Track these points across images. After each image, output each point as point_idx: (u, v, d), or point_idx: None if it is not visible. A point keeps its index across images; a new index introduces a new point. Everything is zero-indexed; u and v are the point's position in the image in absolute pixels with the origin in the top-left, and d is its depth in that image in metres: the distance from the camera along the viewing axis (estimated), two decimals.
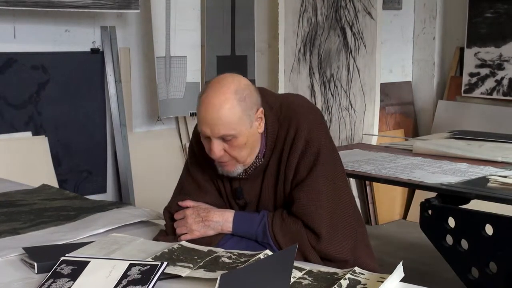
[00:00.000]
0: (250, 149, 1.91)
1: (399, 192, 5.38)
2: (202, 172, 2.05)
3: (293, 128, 1.93)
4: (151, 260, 1.70)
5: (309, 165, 1.91)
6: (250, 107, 1.88)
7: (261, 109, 1.92)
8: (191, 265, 1.71)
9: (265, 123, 1.95)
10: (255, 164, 1.96)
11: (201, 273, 1.66)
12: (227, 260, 1.74)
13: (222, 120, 1.84)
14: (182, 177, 2.11)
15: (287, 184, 1.94)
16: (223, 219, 1.95)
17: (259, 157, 1.96)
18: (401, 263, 1.64)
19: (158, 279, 1.53)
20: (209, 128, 1.85)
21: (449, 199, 2.88)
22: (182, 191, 2.07)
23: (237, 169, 1.94)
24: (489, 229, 2.72)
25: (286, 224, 1.89)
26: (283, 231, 1.88)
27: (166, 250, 1.80)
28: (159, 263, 1.56)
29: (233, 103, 1.84)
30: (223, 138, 1.87)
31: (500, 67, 5.36)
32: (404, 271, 1.65)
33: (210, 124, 1.85)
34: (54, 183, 3.53)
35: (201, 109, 1.87)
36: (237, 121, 1.85)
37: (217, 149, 1.87)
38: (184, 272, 1.66)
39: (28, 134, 3.62)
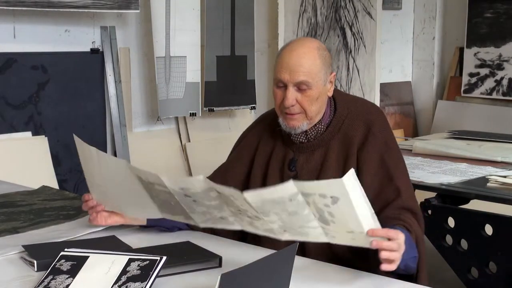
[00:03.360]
0: (319, 106, 2.00)
1: None
2: (242, 158, 2.15)
3: (369, 121, 2.03)
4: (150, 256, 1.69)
5: (396, 159, 2.03)
6: (327, 66, 2.00)
7: (334, 73, 2.04)
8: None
9: (335, 104, 2.08)
10: (316, 130, 2.04)
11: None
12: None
13: (303, 67, 1.94)
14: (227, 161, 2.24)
15: (367, 169, 1.99)
16: None
17: (322, 125, 2.04)
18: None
19: (157, 275, 1.53)
20: (288, 73, 1.95)
21: (448, 199, 2.87)
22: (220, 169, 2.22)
23: (302, 125, 2.00)
24: (488, 229, 2.71)
25: (411, 223, 1.90)
26: (416, 231, 1.91)
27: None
28: (159, 258, 1.56)
29: (315, 55, 1.97)
30: (299, 87, 1.96)
31: (499, 67, 5.37)
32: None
33: (291, 69, 1.94)
34: (54, 183, 3.53)
35: (284, 56, 1.97)
36: (316, 72, 1.96)
37: (291, 97, 1.96)
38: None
39: (28, 134, 3.62)
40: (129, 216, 2.00)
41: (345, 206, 1.51)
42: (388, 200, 1.97)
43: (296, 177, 2.05)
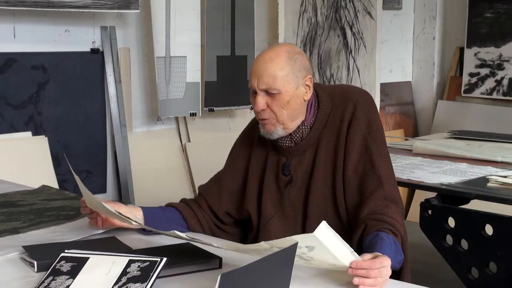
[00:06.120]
0: (291, 111, 1.98)
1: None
2: (235, 169, 2.15)
3: (351, 105, 2.02)
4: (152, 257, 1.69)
5: (379, 143, 2.02)
6: (298, 69, 1.97)
7: (310, 76, 2.00)
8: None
9: (317, 100, 2.06)
10: (300, 132, 2.03)
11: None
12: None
13: (268, 72, 1.94)
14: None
15: (351, 158, 1.99)
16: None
17: (305, 126, 2.03)
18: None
19: (158, 276, 1.52)
20: (256, 80, 1.95)
21: (449, 199, 2.87)
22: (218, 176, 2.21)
23: (277, 130, 2.00)
24: (489, 229, 2.71)
25: (395, 222, 1.89)
26: (401, 231, 1.90)
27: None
28: (159, 259, 1.56)
29: (283, 59, 1.95)
30: (267, 92, 1.95)
31: (500, 67, 5.37)
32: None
33: (257, 75, 1.95)
34: (54, 183, 3.53)
35: (253, 63, 2.00)
36: (283, 77, 1.95)
37: (261, 102, 1.96)
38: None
39: (28, 134, 3.62)
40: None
41: (322, 251, 1.53)
42: (370, 189, 1.97)
43: (291, 180, 2.06)
